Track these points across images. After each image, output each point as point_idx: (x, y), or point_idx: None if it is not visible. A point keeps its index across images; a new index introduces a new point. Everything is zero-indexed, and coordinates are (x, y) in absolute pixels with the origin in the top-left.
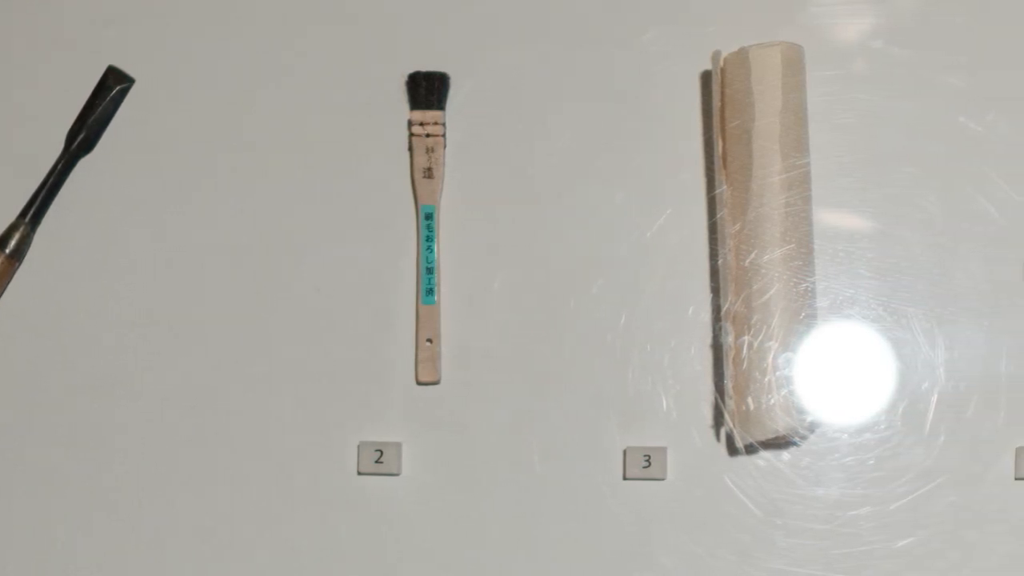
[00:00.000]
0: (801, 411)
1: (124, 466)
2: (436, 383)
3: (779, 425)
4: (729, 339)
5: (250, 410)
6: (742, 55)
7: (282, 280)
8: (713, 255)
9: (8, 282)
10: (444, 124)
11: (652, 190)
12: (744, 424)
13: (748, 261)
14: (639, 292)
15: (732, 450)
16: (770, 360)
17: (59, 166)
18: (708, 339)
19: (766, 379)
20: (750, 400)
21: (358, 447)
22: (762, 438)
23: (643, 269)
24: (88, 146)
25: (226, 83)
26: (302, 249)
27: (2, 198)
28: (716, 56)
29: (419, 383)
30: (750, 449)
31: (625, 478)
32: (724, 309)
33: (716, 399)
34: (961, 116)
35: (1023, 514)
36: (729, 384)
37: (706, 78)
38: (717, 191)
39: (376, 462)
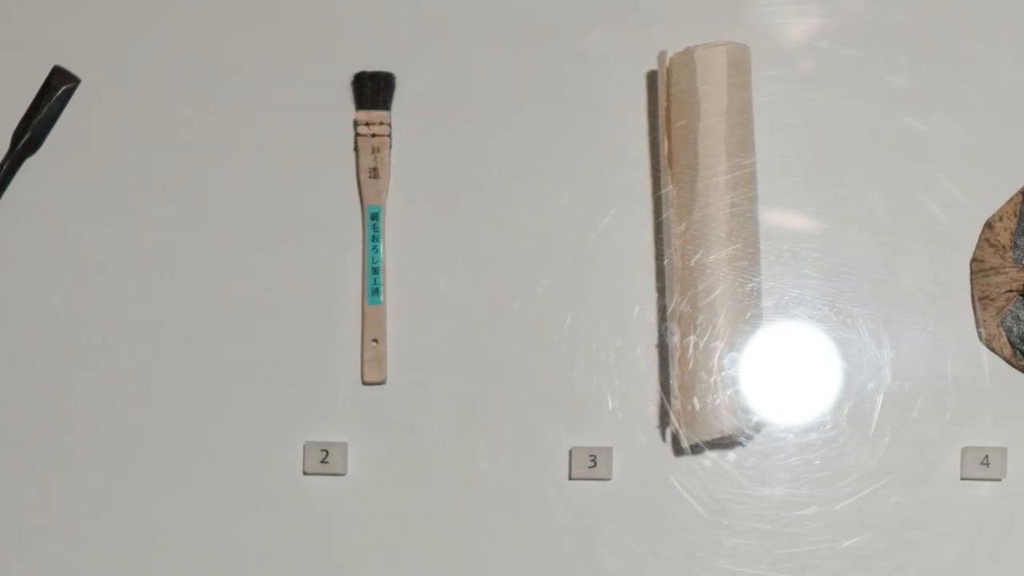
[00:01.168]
0: (747, 411)
1: (70, 467)
2: (382, 383)
3: (725, 425)
4: (675, 339)
5: (196, 410)
6: (688, 55)
7: (228, 280)
8: (659, 255)
9: None
10: (390, 124)
11: (598, 190)
12: (690, 424)
13: (694, 261)
14: (584, 292)
15: (678, 450)
16: (716, 360)
17: (4, 166)
18: (654, 339)
19: (712, 379)
20: (696, 400)
21: (304, 447)
22: (708, 438)
23: (588, 269)
24: (34, 146)
25: (172, 83)
26: (248, 249)
27: None
28: (662, 56)
29: (365, 383)
30: (696, 449)
31: (571, 478)
32: (670, 309)
33: (662, 399)
34: (907, 116)
35: (968, 514)
36: (675, 384)
37: (652, 78)
38: (663, 191)
39: (322, 462)
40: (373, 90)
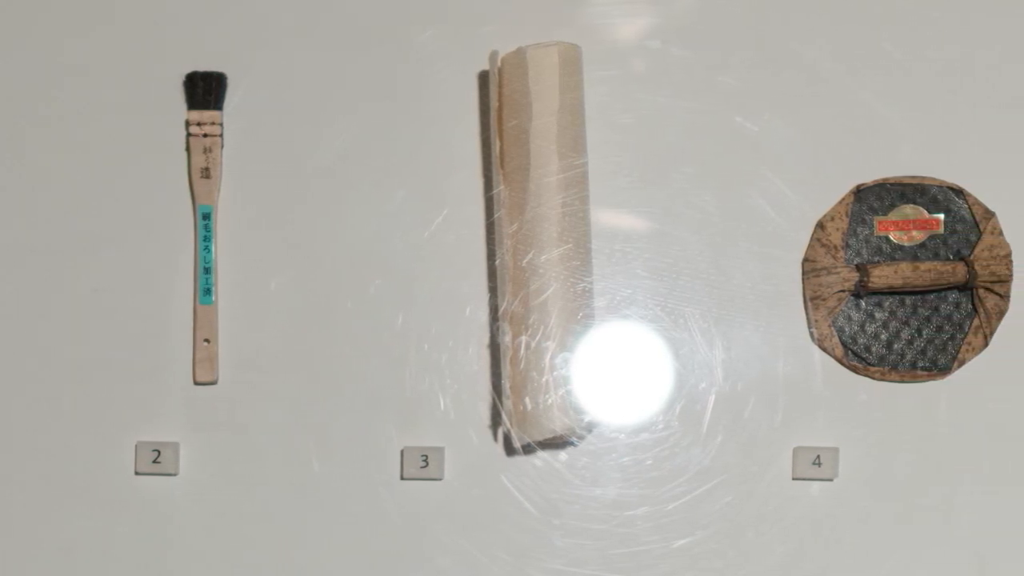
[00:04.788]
0: (578, 411)
1: None
2: (213, 383)
3: (556, 425)
4: (506, 339)
5: (27, 410)
6: (520, 55)
7: (59, 280)
8: (491, 255)
9: None
10: (221, 124)
11: (430, 190)
12: (522, 424)
13: (525, 261)
14: (416, 292)
15: (510, 450)
16: (547, 360)
17: None
18: (486, 339)
19: (543, 379)
20: (527, 400)
21: (135, 447)
22: (540, 438)
23: (420, 269)
24: None
25: (3, 83)
26: (79, 249)
27: None
28: (493, 56)
29: (196, 383)
30: (528, 449)
31: (403, 478)
32: (502, 309)
33: (494, 399)
34: (737, 116)
35: (800, 513)
36: (507, 384)
37: (484, 78)
38: (495, 191)
39: (154, 462)
40: (205, 90)
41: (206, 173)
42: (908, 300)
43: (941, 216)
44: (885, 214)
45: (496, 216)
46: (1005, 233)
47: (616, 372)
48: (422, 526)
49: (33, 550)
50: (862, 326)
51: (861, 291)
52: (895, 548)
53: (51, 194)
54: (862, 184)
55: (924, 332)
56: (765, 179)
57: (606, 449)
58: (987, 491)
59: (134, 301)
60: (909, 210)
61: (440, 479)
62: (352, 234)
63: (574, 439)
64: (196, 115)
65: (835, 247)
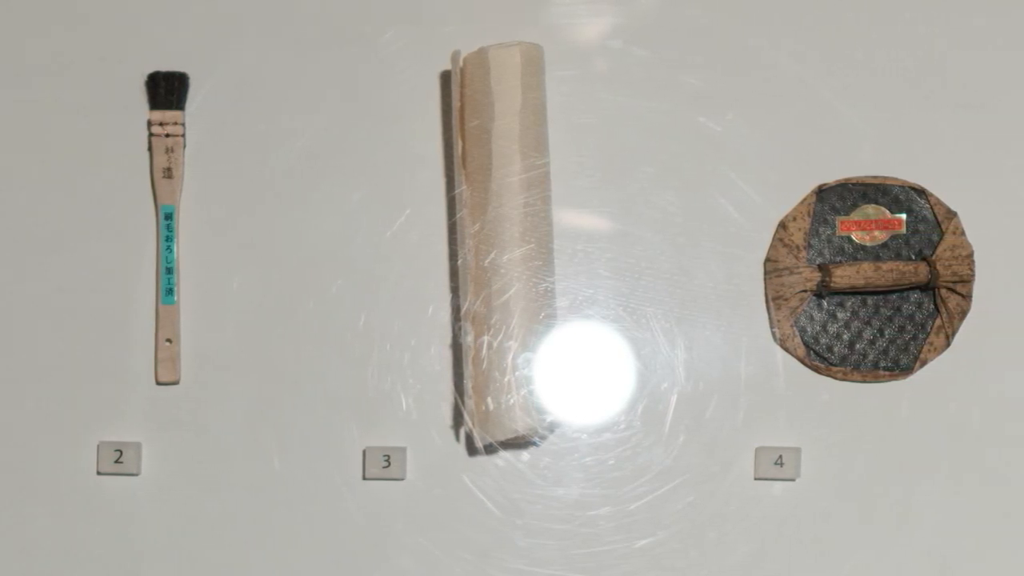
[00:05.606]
0: (541, 411)
1: None
2: (176, 383)
3: (519, 425)
4: (469, 339)
5: None
6: (481, 55)
7: (22, 280)
8: (453, 255)
9: None
10: (184, 124)
11: (391, 190)
12: (484, 424)
13: (488, 261)
14: (378, 292)
15: (472, 450)
16: (509, 360)
17: None
18: (448, 339)
19: (505, 379)
20: (490, 400)
21: (97, 447)
22: (502, 438)
23: (382, 269)
24: None
25: None
26: (42, 249)
27: None
28: (456, 56)
29: (159, 383)
30: (490, 449)
31: (364, 478)
32: (464, 309)
33: (456, 399)
34: (700, 116)
35: (762, 513)
36: (469, 384)
37: (446, 78)
38: (457, 191)
39: (116, 462)
40: (167, 90)
41: (168, 173)
42: (870, 300)
43: (903, 216)
44: (847, 214)
45: (458, 216)
46: (967, 233)
47: (578, 372)
48: (384, 526)
49: None
50: (824, 326)
51: (823, 291)
52: (857, 548)
53: (13, 194)
54: (824, 184)
55: (886, 332)
56: (727, 179)
57: (568, 449)
58: (948, 491)
59: (96, 301)
60: (871, 210)
61: (402, 479)
62: (314, 234)
63: (536, 439)
64: (158, 115)
65: (797, 247)
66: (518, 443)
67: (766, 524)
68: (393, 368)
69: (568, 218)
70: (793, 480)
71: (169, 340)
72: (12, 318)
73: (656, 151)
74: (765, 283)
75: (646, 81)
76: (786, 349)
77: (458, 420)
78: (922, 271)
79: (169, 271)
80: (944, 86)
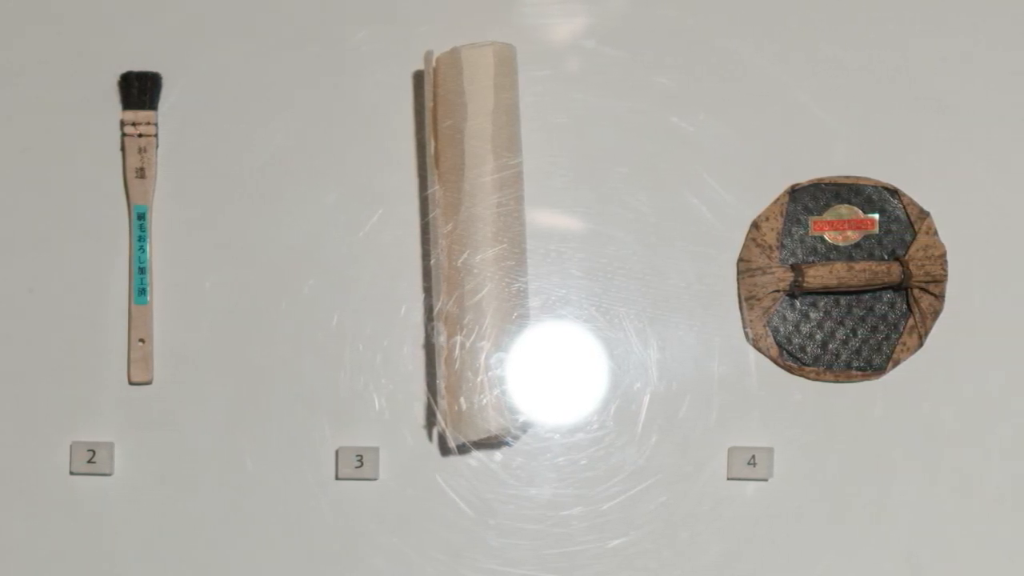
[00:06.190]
0: (513, 411)
1: None
2: (148, 383)
3: (491, 425)
4: (441, 339)
5: None
6: (454, 55)
7: None
8: (425, 255)
9: None
10: (156, 124)
11: (364, 190)
12: (456, 424)
13: (460, 261)
14: (351, 292)
15: (445, 450)
16: (482, 360)
17: None
18: (421, 339)
19: (478, 379)
20: (462, 400)
21: (70, 447)
22: (475, 438)
23: (355, 269)
24: None
25: None
26: (14, 249)
27: None
28: (428, 56)
29: (131, 383)
30: (462, 449)
31: (337, 478)
32: (436, 309)
33: (428, 399)
34: (673, 116)
35: (735, 513)
36: (442, 384)
37: (418, 78)
38: (430, 191)
39: (89, 462)
40: (140, 90)
41: (141, 173)
42: (843, 300)
43: (876, 216)
44: (820, 214)
45: (431, 216)
46: (939, 233)
47: (551, 372)
48: (357, 526)
49: None
50: (797, 326)
51: (796, 291)
52: (829, 548)
53: None
54: (797, 184)
55: (859, 332)
56: (700, 179)
57: (541, 449)
58: (921, 491)
59: (69, 301)
60: (844, 210)
61: (375, 479)
62: (287, 234)
63: (509, 439)
64: (131, 115)
65: (770, 247)
66: (491, 443)
67: (739, 524)
68: (366, 368)
69: (541, 218)
70: (766, 480)
71: (142, 340)
72: None
73: (629, 151)
74: (738, 283)
75: (619, 81)
76: (759, 349)
77: (431, 420)
78: (895, 271)
79: (142, 271)
80: (917, 87)
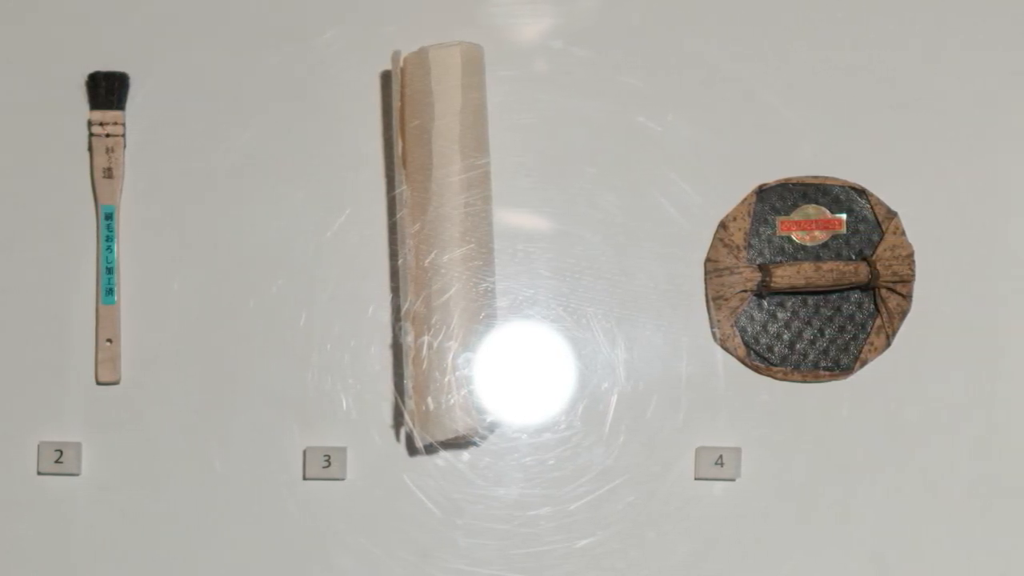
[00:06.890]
0: (481, 411)
1: None
2: (116, 383)
3: (459, 425)
4: (409, 339)
5: None
6: (422, 55)
7: None
8: (393, 255)
9: None
10: (124, 124)
11: (332, 190)
12: (424, 424)
13: (428, 261)
14: (319, 292)
15: (412, 450)
16: (450, 360)
17: None
18: (388, 339)
19: (446, 379)
20: (430, 400)
21: (38, 447)
22: (442, 438)
23: (323, 269)
24: None
25: None
26: None
27: None
28: (396, 56)
29: (99, 383)
30: (430, 449)
31: (305, 478)
32: (404, 309)
33: (396, 399)
34: (640, 116)
35: (702, 513)
36: (409, 384)
37: (386, 78)
38: (397, 191)
39: (56, 462)
40: (107, 90)
41: (108, 173)
42: (810, 300)
43: (843, 216)
44: (787, 214)
45: (398, 216)
46: (907, 233)
47: (518, 372)
48: (324, 526)
49: None
50: (764, 326)
51: (763, 291)
52: (796, 547)
53: None
54: (764, 184)
55: (826, 332)
56: (668, 179)
57: (508, 449)
58: (888, 491)
59: (36, 301)
60: (811, 210)
61: (343, 479)
62: (254, 234)
63: (476, 439)
64: (98, 115)
65: (737, 247)
66: (458, 443)
67: (706, 524)
68: (333, 368)
69: (508, 218)
70: (733, 480)
71: (109, 340)
72: None
73: (596, 151)
74: (705, 283)
75: (586, 81)
76: (726, 349)
77: (398, 420)
78: (862, 271)
79: (110, 271)
80: (884, 86)
